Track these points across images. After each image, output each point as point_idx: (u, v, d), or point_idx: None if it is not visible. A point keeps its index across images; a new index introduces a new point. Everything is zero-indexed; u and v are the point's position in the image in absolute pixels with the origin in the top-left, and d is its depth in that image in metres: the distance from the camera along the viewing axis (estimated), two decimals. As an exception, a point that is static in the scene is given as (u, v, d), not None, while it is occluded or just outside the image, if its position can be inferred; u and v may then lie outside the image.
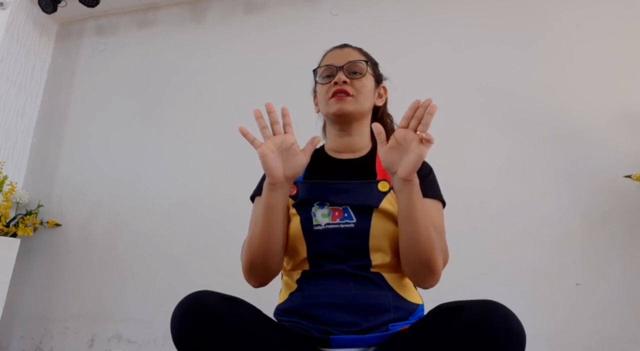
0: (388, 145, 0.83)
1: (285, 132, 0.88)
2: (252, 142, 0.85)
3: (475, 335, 0.68)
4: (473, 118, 1.96)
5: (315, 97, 1.12)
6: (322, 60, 1.09)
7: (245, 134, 0.85)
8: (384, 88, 1.11)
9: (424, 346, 0.73)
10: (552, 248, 1.73)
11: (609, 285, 1.64)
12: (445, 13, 2.15)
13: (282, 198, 0.87)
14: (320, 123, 1.17)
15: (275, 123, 0.88)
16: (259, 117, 0.86)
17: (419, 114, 0.80)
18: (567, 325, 1.63)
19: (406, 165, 0.80)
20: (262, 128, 0.87)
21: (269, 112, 0.87)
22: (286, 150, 0.86)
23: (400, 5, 2.23)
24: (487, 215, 1.82)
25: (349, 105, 0.99)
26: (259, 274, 0.91)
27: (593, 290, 1.65)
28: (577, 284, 1.67)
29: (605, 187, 1.74)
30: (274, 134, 0.87)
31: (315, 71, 1.08)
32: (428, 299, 0.95)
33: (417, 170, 0.80)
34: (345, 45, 1.09)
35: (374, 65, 1.09)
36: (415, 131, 0.81)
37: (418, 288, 0.97)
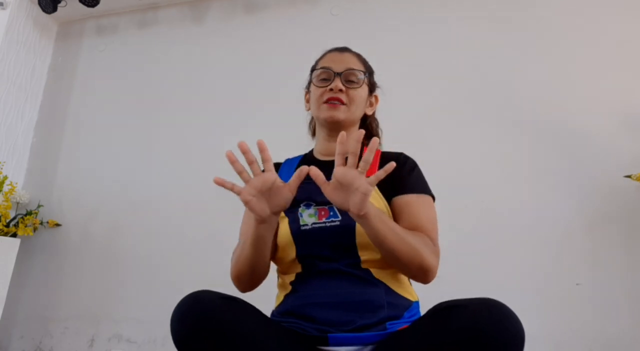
0: (330, 186, 0.78)
1: (264, 170, 0.81)
2: (231, 189, 0.78)
3: (474, 334, 0.68)
4: (473, 118, 1.96)
5: (307, 93, 1.12)
6: (320, 59, 1.09)
7: (222, 184, 0.78)
8: (376, 97, 1.12)
9: (423, 345, 0.73)
10: (552, 248, 1.72)
11: (609, 285, 1.64)
12: (445, 13, 2.15)
13: (270, 229, 0.86)
14: (308, 119, 1.18)
15: (252, 163, 0.80)
16: (234, 161, 0.78)
17: (354, 149, 0.75)
18: (567, 325, 1.63)
19: (354, 204, 0.76)
20: (239, 172, 0.80)
21: (244, 153, 0.79)
22: (268, 190, 0.80)
23: (400, 5, 2.23)
24: (487, 215, 1.82)
25: (340, 114, 1.00)
26: (246, 284, 0.94)
27: (593, 290, 1.65)
28: (577, 284, 1.67)
29: (605, 187, 1.73)
30: (254, 174, 0.80)
31: (312, 69, 1.08)
32: (427, 299, 0.95)
33: (367, 204, 0.76)
34: (346, 49, 1.09)
35: (370, 74, 1.09)
36: (356, 167, 0.76)
37: (413, 286, 0.97)
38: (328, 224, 0.91)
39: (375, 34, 2.18)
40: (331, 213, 0.92)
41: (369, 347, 0.83)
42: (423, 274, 0.86)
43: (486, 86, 1.99)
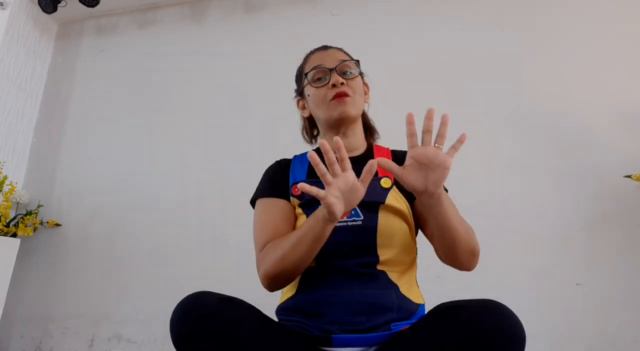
0: (408, 168, 0.78)
1: (343, 169, 0.79)
2: (317, 195, 0.75)
3: (475, 334, 0.68)
4: (473, 118, 1.96)
5: (299, 101, 1.11)
6: (306, 63, 1.09)
7: (308, 191, 0.75)
8: (367, 85, 1.12)
9: (425, 345, 0.74)
10: (552, 248, 1.72)
11: (609, 285, 1.64)
12: (445, 13, 2.15)
13: (332, 229, 0.84)
14: (300, 124, 1.17)
15: (333, 165, 0.78)
16: (317, 164, 0.76)
17: (427, 127, 0.76)
18: (567, 325, 1.63)
19: (435, 182, 0.77)
20: (323, 175, 0.77)
21: (325, 153, 0.76)
22: (349, 190, 0.79)
23: (400, 5, 2.23)
24: (487, 215, 1.81)
25: (350, 108, 1.00)
26: (282, 283, 0.90)
27: (593, 290, 1.65)
28: (577, 284, 1.67)
29: (605, 187, 1.73)
30: (334, 175, 0.78)
31: (301, 75, 1.08)
32: (428, 299, 0.95)
33: (443, 183, 0.78)
34: (327, 47, 1.10)
35: (357, 63, 1.09)
36: (432, 144, 0.77)
37: (420, 288, 0.97)
38: (350, 223, 0.91)
39: (375, 34, 2.18)
40: (353, 212, 0.92)
41: (373, 348, 0.83)
42: (473, 258, 0.88)
43: (486, 85, 1.99)
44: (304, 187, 0.74)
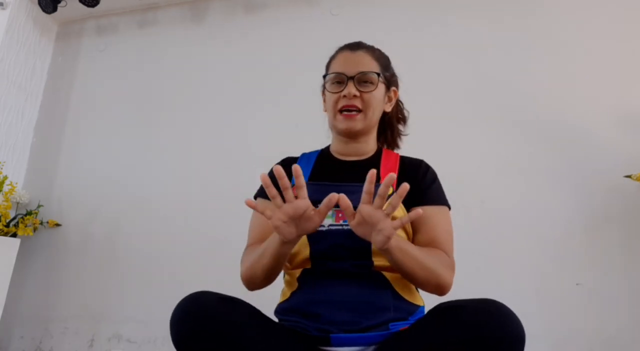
0: (355, 221, 0.78)
1: (297, 196, 0.79)
2: (262, 212, 0.79)
3: (474, 334, 0.68)
4: (473, 118, 1.96)
5: (323, 93, 1.08)
6: (332, 60, 1.05)
7: (253, 207, 0.78)
8: (394, 91, 1.08)
9: (424, 345, 0.74)
10: (552, 248, 1.72)
11: (609, 285, 1.64)
12: (445, 13, 2.15)
13: (292, 246, 0.86)
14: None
15: (287, 190, 0.78)
16: (268, 185, 0.77)
17: (382, 193, 0.74)
18: (567, 325, 1.63)
19: (376, 242, 0.78)
20: (273, 197, 0.78)
21: (279, 178, 0.77)
22: (299, 217, 0.79)
23: (400, 5, 2.23)
24: (487, 215, 1.82)
25: (358, 123, 0.98)
26: (257, 286, 0.95)
27: (593, 290, 1.65)
28: (577, 284, 1.67)
29: (605, 187, 1.73)
30: (285, 201, 0.78)
31: (327, 67, 1.06)
32: (428, 299, 0.95)
33: (388, 243, 0.77)
34: (358, 46, 1.04)
35: (385, 68, 1.04)
36: (381, 208, 0.76)
37: (420, 291, 0.97)
38: (345, 227, 0.90)
39: (375, 34, 2.16)
40: None
41: (372, 347, 0.83)
42: (439, 291, 0.89)
43: (486, 86, 1.99)
44: (249, 202, 0.77)
